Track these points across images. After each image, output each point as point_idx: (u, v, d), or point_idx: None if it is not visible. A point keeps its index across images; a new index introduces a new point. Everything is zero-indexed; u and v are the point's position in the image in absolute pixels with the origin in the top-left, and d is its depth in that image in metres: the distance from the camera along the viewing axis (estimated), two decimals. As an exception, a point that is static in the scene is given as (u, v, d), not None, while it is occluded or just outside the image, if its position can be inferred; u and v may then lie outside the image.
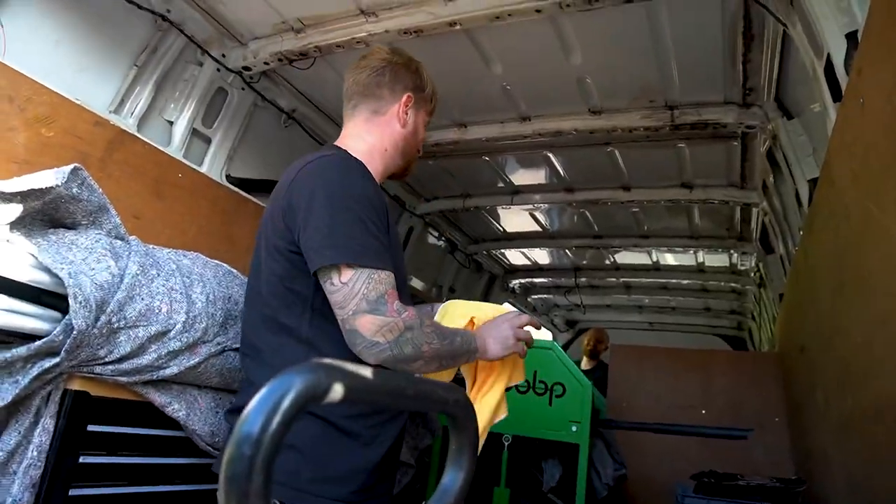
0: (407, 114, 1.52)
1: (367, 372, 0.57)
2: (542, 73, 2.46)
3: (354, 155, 1.43)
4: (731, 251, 4.14)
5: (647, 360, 4.16)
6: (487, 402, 1.56)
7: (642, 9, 1.99)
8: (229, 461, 0.46)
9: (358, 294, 1.24)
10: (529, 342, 1.51)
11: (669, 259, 4.71)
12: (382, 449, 1.37)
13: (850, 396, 1.77)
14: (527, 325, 1.51)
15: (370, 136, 1.51)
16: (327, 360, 0.55)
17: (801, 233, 2.54)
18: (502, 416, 1.58)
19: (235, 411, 1.39)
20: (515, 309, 1.61)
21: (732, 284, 4.84)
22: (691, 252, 4.40)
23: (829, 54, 1.60)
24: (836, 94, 1.68)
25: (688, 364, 4.07)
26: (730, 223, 3.74)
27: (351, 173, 1.36)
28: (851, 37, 1.48)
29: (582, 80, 2.48)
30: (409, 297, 1.48)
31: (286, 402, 0.49)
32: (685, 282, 4.98)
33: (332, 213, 1.28)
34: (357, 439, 1.33)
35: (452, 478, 0.76)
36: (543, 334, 6.34)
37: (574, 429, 2.62)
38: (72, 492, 1.35)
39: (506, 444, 2.68)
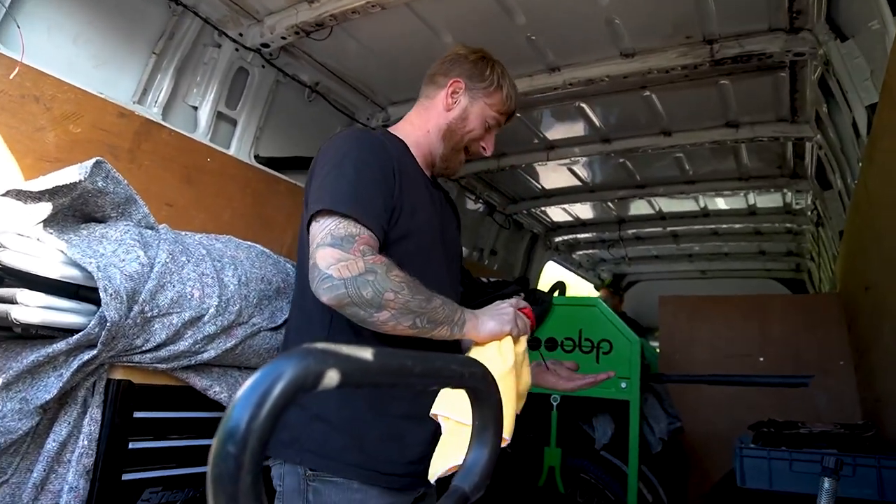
0: (453, 99, 1.51)
1: (365, 353, 0.54)
2: (568, 18, 2.32)
3: (400, 135, 1.50)
4: (785, 190, 3.91)
5: (698, 310, 4.04)
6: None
7: (670, -64, 1.84)
8: (214, 460, 0.43)
9: (325, 230, 1.22)
10: (526, 327, 1.38)
11: (718, 203, 4.50)
12: (406, 424, 1.34)
13: (921, 336, 1.66)
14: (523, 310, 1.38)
15: (417, 119, 1.55)
16: (320, 345, 0.51)
17: (861, 164, 2.36)
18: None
19: None
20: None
21: (788, 225, 4.60)
22: (741, 194, 4.18)
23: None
24: (897, 7, 1.51)
25: (742, 311, 3.93)
26: (781, 161, 3.52)
27: (355, 139, 1.39)
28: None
29: (610, 21, 2.34)
30: (439, 263, 1.47)
31: (274, 394, 0.46)
32: (737, 226, 4.77)
33: (327, 172, 1.31)
34: (387, 412, 1.33)
35: (477, 455, 0.72)
36: (589, 290, 6.25)
37: (623, 385, 2.57)
38: (125, 476, 1.39)
39: (554, 404, 2.66)
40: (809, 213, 4.17)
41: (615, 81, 2.64)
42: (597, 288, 5.90)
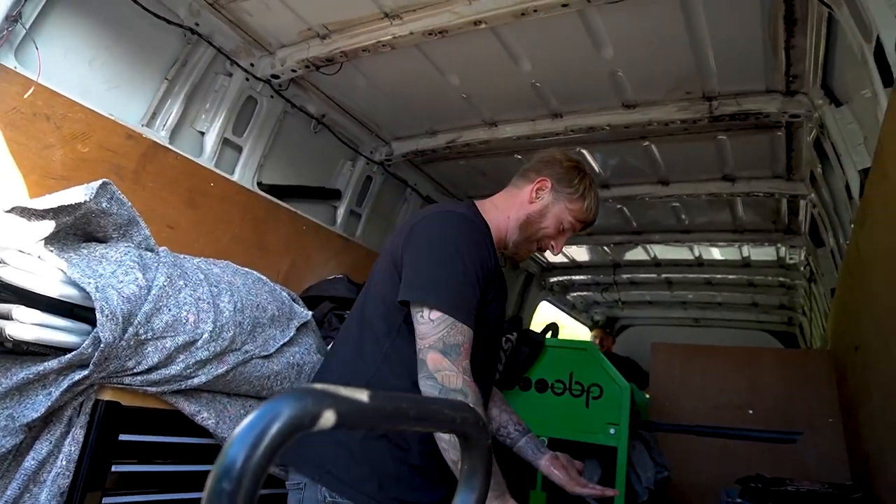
0: (538, 194, 1.64)
1: (361, 395, 0.55)
2: (573, 68, 2.39)
3: (484, 215, 1.62)
4: (779, 244, 3.97)
5: (691, 358, 4.03)
6: None
7: (673, -2, 1.91)
8: (209, 497, 0.44)
9: (439, 334, 1.38)
10: None
11: (713, 253, 4.54)
12: (432, 462, 1.42)
13: (909, 400, 1.66)
14: None
15: (503, 204, 1.67)
16: (318, 385, 0.53)
17: (853, 226, 2.40)
18: None
19: None
20: None
21: (781, 279, 4.64)
22: (736, 246, 4.23)
23: (878, 37, 1.49)
24: (888, 79, 1.57)
25: (734, 362, 3.92)
26: (776, 216, 3.58)
27: (469, 231, 1.51)
28: (903, 17, 1.38)
29: (614, 73, 2.41)
30: (493, 346, 1.64)
31: (271, 432, 0.47)
32: (730, 276, 4.80)
33: (439, 259, 1.45)
34: (408, 451, 1.43)
35: (465, 499, 0.73)
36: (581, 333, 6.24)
37: (612, 431, 2.55)
38: (106, 500, 1.37)
39: (542, 447, 2.63)
40: (802, 268, 4.21)
41: (616, 130, 2.70)
42: (590, 328, 5.89)
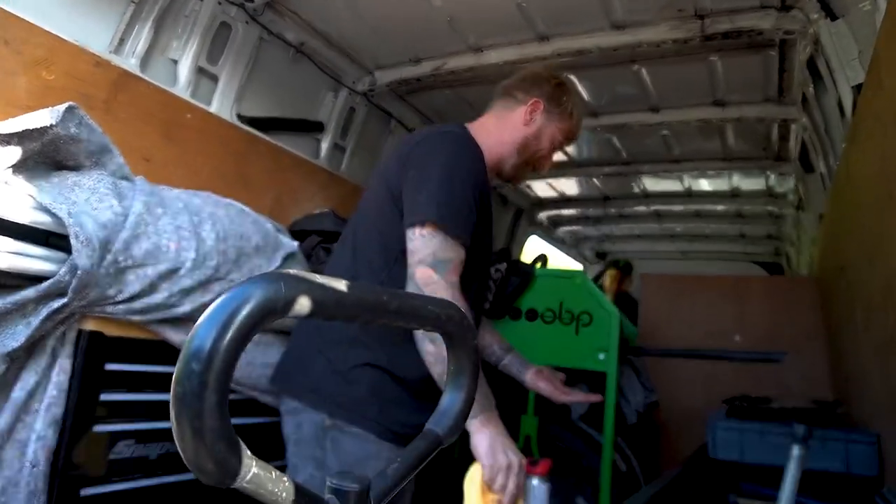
0: (532, 117, 1.65)
1: (339, 284, 0.52)
2: (560, -15, 2.29)
3: (475, 136, 1.59)
4: (768, 172, 3.94)
5: (679, 288, 4.09)
6: None
7: None
8: (178, 380, 0.42)
9: (431, 249, 1.37)
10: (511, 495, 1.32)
11: (702, 184, 4.52)
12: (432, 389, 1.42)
13: (893, 313, 1.68)
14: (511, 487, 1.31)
15: (494, 128, 1.66)
16: (293, 271, 0.50)
17: (844, 145, 2.37)
18: None
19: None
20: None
21: (769, 208, 4.64)
22: (725, 175, 4.21)
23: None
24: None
25: (721, 291, 3.99)
26: (766, 142, 3.53)
27: (466, 150, 1.52)
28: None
29: (602, -10, 2.31)
30: (482, 271, 1.62)
31: (242, 314, 0.44)
32: (719, 207, 4.80)
33: (438, 178, 1.42)
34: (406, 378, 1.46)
35: (451, 399, 0.72)
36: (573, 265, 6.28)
37: (601, 357, 2.58)
38: (96, 427, 1.38)
39: (533, 374, 2.67)
40: (791, 196, 4.21)
41: (605, 54, 2.62)
42: (607, 267, 5.80)
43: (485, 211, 1.55)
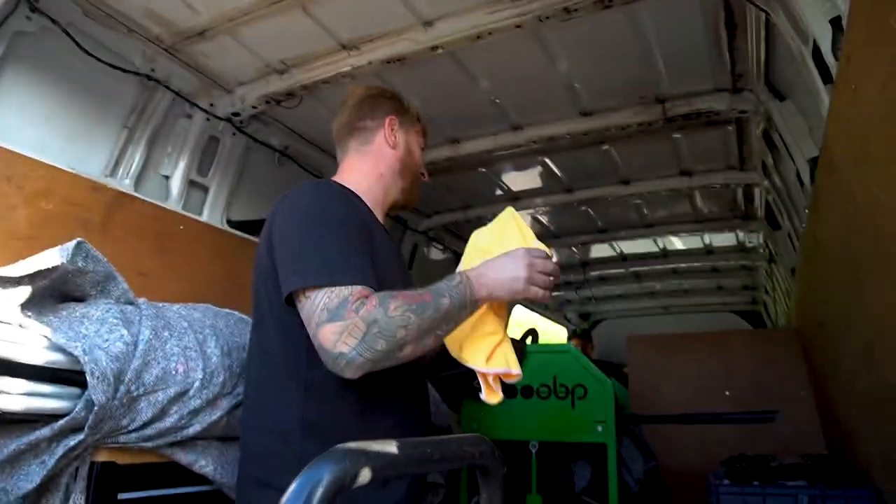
0: (395, 135, 1.55)
1: (391, 448, 0.58)
2: (530, 83, 2.46)
3: (349, 186, 1.45)
4: (738, 230, 4.13)
5: (665, 348, 4.14)
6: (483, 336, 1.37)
7: (620, 13, 1.99)
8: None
9: (318, 306, 1.17)
10: (548, 285, 1.31)
11: (676, 244, 4.70)
12: (404, 485, 1.34)
13: (876, 374, 1.76)
14: (544, 270, 1.30)
15: (364, 166, 1.53)
16: (351, 445, 0.55)
17: (807, 212, 2.52)
18: (512, 369, 1.35)
19: (263, 485, 1.30)
20: (541, 245, 1.40)
21: (742, 262, 4.83)
22: (698, 235, 4.39)
23: (814, 40, 1.58)
24: (827, 77, 1.66)
25: (707, 347, 4.05)
26: (733, 204, 3.72)
27: (320, 195, 1.36)
28: (836, 22, 1.46)
29: (570, 85, 2.48)
30: None
31: (317, 496, 0.49)
32: (695, 264, 4.98)
33: (299, 237, 1.26)
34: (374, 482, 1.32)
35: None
36: (558, 332, 6.34)
37: (600, 429, 2.60)
38: (112, 563, 1.35)
39: (533, 451, 2.67)
40: (762, 250, 4.39)
41: (576, 138, 2.79)
42: (568, 338, 5.96)
43: (384, 249, 1.41)
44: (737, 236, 4.36)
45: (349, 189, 1.44)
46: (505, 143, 2.84)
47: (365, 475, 0.54)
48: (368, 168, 1.53)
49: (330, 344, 1.14)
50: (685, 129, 2.75)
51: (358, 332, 1.13)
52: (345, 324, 1.13)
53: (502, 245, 1.40)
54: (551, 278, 1.31)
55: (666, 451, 3.55)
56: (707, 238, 4.48)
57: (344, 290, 1.18)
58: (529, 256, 1.30)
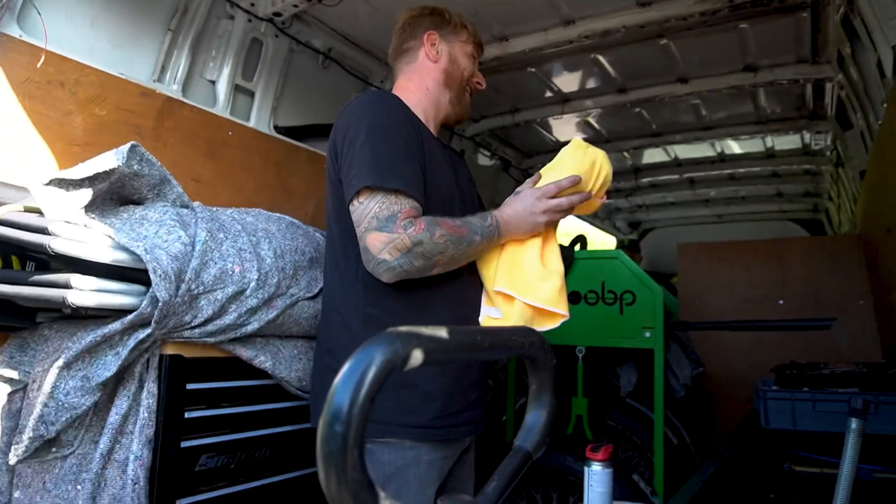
0: (435, 49, 1.61)
1: (443, 333, 0.58)
2: (583, -32, 2.28)
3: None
4: (804, 131, 3.86)
5: (717, 255, 4.05)
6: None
7: None
8: (323, 440, 0.48)
9: (370, 213, 1.32)
10: (562, 211, 1.47)
11: (735, 148, 4.46)
12: (447, 378, 1.44)
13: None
14: (554, 194, 1.45)
15: (411, 84, 1.62)
16: (403, 329, 0.56)
17: (886, 105, 2.33)
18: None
19: (331, 370, 1.43)
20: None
21: (806, 166, 4.56)
22: (759, 137, 4.14)
23: None
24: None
25: (761, 255, 3.94)
26: (800, 102, 3.47)
27: (378, 105, 1.47)
28: None
29: (627, -31, 2.29)
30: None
31: (369, 377, 0.50)
32: (754, 169, 4.72)
33: (360, 144, 1.37)
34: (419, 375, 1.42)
35: (535, 416, 0.77)
36: (607, 243, 6.27)
37: (647, 335, 2.61)
38: (183, 443, 1.47)
39: (580, 355, 2.72)
40: (829, 153, 4.13)
41: (632, 31, 2.60)
42: (616, 248, 5.87)
43: (435, 155, 1.51)
44: (802, 138, 4.09)
45: (393, 95, 1.55)
46: (556, 40, 2.69)
47: (417, 357, 0.54)
48: (415, 85, 1.62)
49: (375, 250, 1.30)
50: (753, 17, 2.52)
51: (403, 248, 1.30)
52: (392, 237, 1.29)
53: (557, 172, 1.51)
54: (564, 202, 1.45)
55: (715, 359, 3.55)
56: (769, 141, 4.23)
57: (395, 205, 1.32)
58: (536, 192, 1.46)
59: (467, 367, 1.48)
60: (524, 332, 0.72)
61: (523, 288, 1.44)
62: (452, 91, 1.64)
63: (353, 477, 0.48)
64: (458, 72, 1.64)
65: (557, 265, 1.51)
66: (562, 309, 1.46)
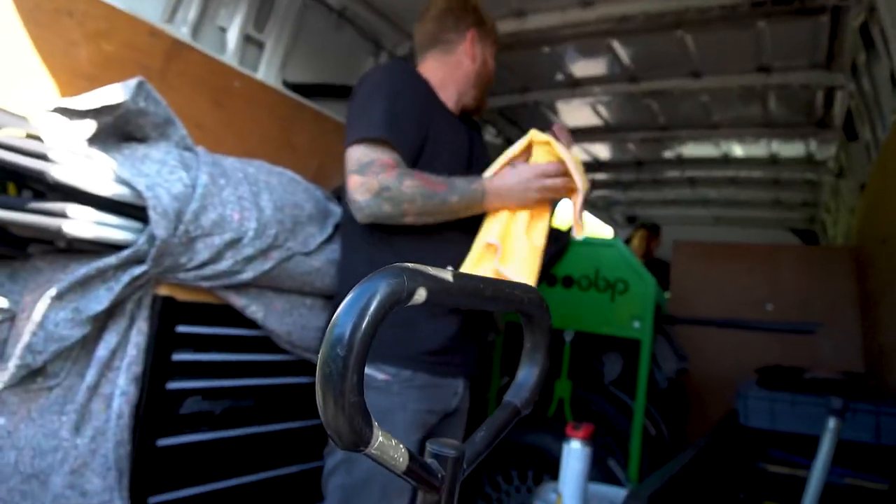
0: (475, 49, 1.68)
1: (447, 275, 0.58)
2: (607, -51, 2.26)
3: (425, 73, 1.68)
4: (810, 139, 3.86)
5: (711, 256, 4.08)
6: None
7: None
8: (324, 362, 0.48)
9: (354, 158, 1.45)
10: (556, 191, 1.56)
11: (739, 150, 4.45)
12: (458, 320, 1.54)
13: (937, 289, 1.69)
14: (553, 175, 1.54)
15: (440, 73, 1.68)
16: (410, 265, 0.56)
17: (894, 117, 2.33)
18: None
19: None
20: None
21: (808, 175, 4.56)
22: (764, 142, 4.14)
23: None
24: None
25: (755, 260, 3.97)
26: (809, 109, 3.46)
27: (391, 71, 1.57)
28: None
29: (651, -45, 2.27)
30: None
31: (374, 306, 0.50)
32: (756, 174, 4.73)
33: (361, 105, 1.50)
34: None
35: (527, 374, 0.78)
36: (604, 230, 6.28)
37: (636, 325, 2.63)
38: (168, 385, 1.48)
39: (567, 339, 2.74)
40: (832, 164, 4.13)
41: (650, 19, 2.58)
42: (635, 229, 5.81)
43: (443, 127, 1.60)
44: (807, 146, 4.08)
45: (404, 63, 1.68)
46: (572, 20, 2.66)
47: (420, 294, 0.54)
48: (443, 75, 1.68)
49: (351, 190, 1.44)
50: (772, 16, 2.50)
51: (372, 191, 1.41)
52: (365, 179, 1.41)
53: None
54: (559, 182, 1.55)
55: (701, 356, 3.59)
56: (774, 146, 4.23)
57: (375, 153, 1.43)
58: (536, 168, 1.55)
59: (466, 315, 1.55)
60: (526, 288, 0.72)
61: (506, 256, 1.52)
62: (479, 90, 1.73)
63: (351, 400, 0.49)
64: (487, 74, 1.73)
65: (539, 241, 1.59)
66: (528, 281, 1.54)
